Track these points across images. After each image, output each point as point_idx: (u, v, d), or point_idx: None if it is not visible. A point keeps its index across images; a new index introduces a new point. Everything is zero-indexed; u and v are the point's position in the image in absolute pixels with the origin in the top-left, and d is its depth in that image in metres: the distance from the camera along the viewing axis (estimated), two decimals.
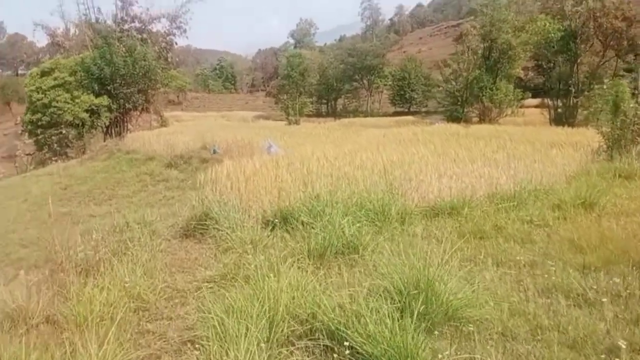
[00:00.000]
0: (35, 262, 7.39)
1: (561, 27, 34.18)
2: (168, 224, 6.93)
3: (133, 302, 4.08)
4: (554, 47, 36.87)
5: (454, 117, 38.89)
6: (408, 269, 4.18)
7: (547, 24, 34.19)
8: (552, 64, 41.08)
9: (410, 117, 53.79)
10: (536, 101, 46.33)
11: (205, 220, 6.37)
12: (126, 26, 42.71)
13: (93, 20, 43.61)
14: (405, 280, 3.94)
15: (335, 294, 4.02)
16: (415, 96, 69.67)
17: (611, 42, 35.57)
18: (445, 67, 43.65)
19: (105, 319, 3.75)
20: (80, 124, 38.02)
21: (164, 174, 22.14)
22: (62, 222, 18.47)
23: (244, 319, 3.40)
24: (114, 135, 38.23)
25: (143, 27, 43.81)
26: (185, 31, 46.36)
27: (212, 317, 3.41)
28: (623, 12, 34.47)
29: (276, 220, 6.29)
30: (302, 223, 6.11)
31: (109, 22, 43.17)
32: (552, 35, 34.35)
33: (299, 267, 4.73)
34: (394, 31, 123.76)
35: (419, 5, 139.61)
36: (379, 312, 3.50)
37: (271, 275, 4.03)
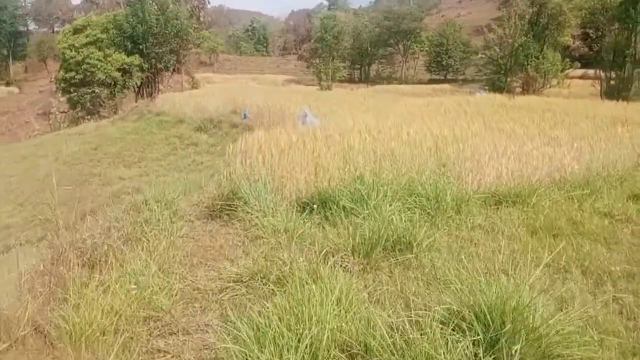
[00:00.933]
0: (65, 224, 6.68)
1: None
2: (192, 202, 6.19)
3: (143, 309, 3.35)
4: (608, 13, 34.11)
5: (496, 87, 36.86)
6: (485, 279, 3.31)
7: None
8: (601, 33, 38.07)
9: (447, 86, 51.73)
10: (580, 72, 43.65)
11: (234, 201, 5.59)
12: None
13: None
14: (485, 300, 3.06)
15: (391, 311, 3.21)
16: (453, 63, 66.76)
17: None
18: (489, 32, 41.14)
19: (107, 333, 3.04)
20: (113, 83, 37.84)
21: (194, 138, 21.66)
22: (92, 183, 18.33)
23: (279, 351, 2.62)
24: (145, 96, 38.01)
25: None
26: None
27: (239, 349, 2.64)
28: None
29: (314, 205, 5.46)
30: (344, 209, 5.27)
31: None
32: (611, 0, 31.72)
33: (343, 269, 3.92)
34: None
35: None
36: (455, 348, 2.67)
37: (312, 284, 3.22)
